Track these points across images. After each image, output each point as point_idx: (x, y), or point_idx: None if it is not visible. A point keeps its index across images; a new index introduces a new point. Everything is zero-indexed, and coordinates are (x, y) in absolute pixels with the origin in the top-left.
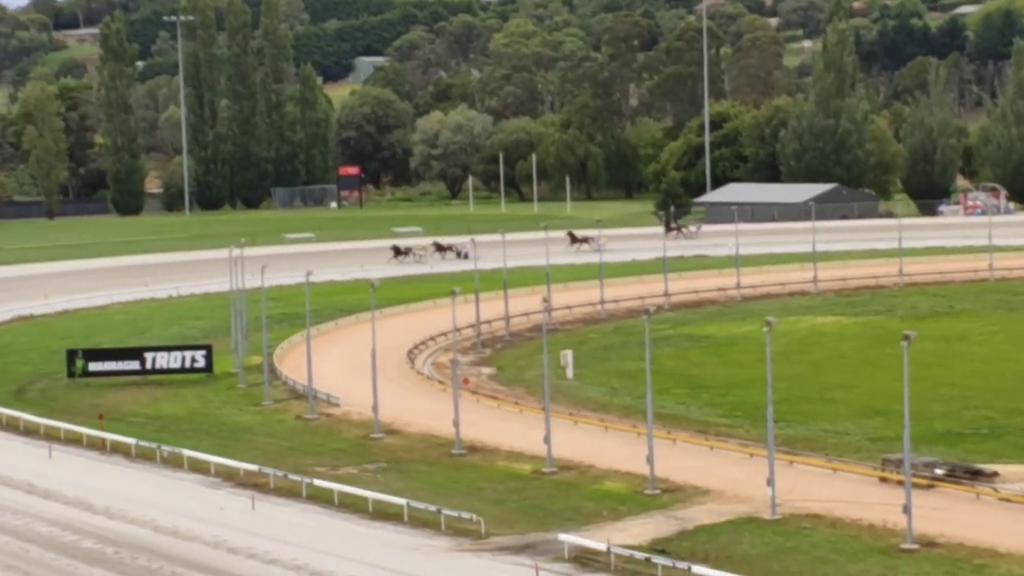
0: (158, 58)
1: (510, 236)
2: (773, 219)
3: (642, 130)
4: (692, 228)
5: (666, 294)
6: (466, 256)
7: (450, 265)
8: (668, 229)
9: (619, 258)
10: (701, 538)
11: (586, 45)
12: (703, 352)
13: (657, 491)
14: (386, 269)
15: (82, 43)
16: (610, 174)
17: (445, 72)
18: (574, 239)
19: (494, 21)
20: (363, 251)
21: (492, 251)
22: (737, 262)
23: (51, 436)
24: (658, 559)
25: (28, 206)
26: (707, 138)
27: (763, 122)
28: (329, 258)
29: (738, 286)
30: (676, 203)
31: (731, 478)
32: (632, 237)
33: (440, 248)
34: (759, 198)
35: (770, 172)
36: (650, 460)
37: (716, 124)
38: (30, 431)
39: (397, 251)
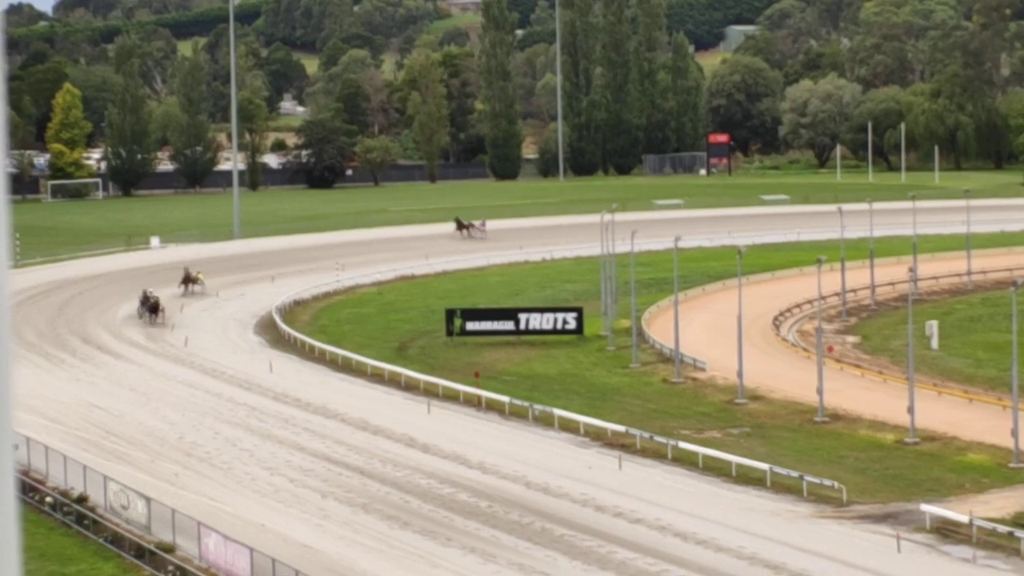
0: (536, 27)
1: (877, 206)
2: None
3: (1013, 100)
4: (478, 225)
5: None
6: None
7: (810, 233)
8: (459, 228)
9: (987, 229)
10: None
11: (957, 14)
12: None
13: (1022, 465)
14: (738, 238)
15: (465, 11)
16: (979, 144)
17: (815, 41)
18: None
19: None
20: (731, 218)
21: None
22: None
23: (430, 392)
24: (1021, 534)
25: (411, 169)
26: None
27: None
28: (697, 224)
29: None
30: None
31: None
32: (1001, 208)
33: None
34: None
35: None
36: (1015, 433)
37: None
38: (410, 387)
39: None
